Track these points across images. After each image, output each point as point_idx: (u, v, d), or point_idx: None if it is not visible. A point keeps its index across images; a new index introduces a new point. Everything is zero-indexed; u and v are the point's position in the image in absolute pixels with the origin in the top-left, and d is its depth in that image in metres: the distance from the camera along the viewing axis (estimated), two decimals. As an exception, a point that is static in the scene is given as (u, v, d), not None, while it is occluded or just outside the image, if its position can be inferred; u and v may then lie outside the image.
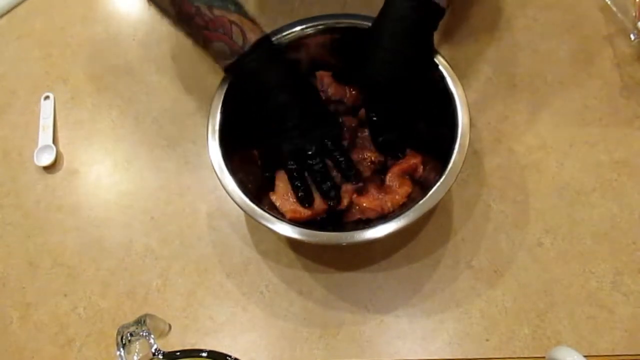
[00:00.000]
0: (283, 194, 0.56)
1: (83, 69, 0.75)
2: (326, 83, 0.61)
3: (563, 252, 0.59)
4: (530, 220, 0.60)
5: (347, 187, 0.56)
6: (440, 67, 0.57)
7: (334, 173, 0.56)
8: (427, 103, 0.58)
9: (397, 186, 0.57)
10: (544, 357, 0.50)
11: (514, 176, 0.63)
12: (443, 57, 0.58)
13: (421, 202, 0.52)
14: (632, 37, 0.68)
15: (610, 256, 0.58)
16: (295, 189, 0.55)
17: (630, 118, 0.65)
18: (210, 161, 0.55)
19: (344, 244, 0.57)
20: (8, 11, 0.81)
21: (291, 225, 0.52)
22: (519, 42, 0.71)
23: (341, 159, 0.56)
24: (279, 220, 0.52)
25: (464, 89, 0.56)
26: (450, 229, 0.61)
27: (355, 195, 0.56)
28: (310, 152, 0.56)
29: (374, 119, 0.57)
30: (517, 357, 0.54)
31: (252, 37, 0.54)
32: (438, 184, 0.52)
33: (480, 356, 0.55)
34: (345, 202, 0.55)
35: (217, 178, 0.54)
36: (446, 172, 0.52)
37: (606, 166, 0.62)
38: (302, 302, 0.58)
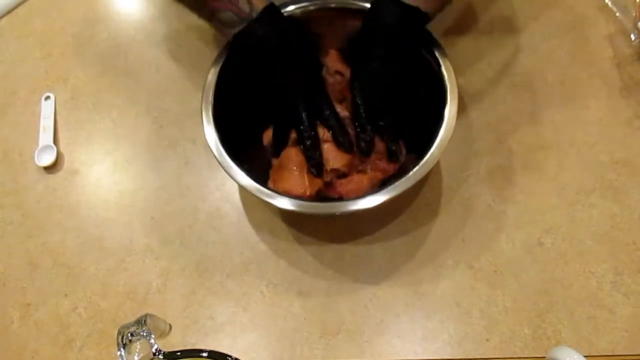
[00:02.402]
0: (280, 175, 0.57)
1: (83, 69, 0.75)
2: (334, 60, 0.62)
3: (563, 252, 0.59)
4: (530, 220, 0.60)
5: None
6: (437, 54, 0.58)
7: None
8: (415, 91, 0.59)
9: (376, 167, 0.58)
10: (544, 357, 0.50)
11: (514, 176, 0.63)
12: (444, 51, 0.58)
13: (414, 170, 0.52)
14: (632, 37, 0.68)
15: (610, 256, 0.58)
16: (308, 157, 0.57)
17: (630, 118, 0.65)
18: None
19: (337, 214, 0.57)
20: (8, 11, 0.81)
21: (287, 198, 0.53)
22: (519, 42, 0.71)
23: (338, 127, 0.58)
24: (276, 194, 0.53)
25: (455, 75, 0.57)
26: (450, 229, 0.61)
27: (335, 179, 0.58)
28: (309, 120, 0.57)
29: (360, 102, 0.58)
30: (517, 357, 0.54)
31: (259, 3, 0.55)
32: (430, 152, 0.53)
33: (480, 356, 0.55)
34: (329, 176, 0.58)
35: (214, 157, 0.55)
36: (436, 141, 0.53)
37: (606, 166, 0.62)
38: (302, 302, 0.58)
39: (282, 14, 0.59)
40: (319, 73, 0.61)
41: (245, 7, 0.55)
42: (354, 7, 0.61)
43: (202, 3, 0.56)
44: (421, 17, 0.55)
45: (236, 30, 0.56)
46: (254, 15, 0.55)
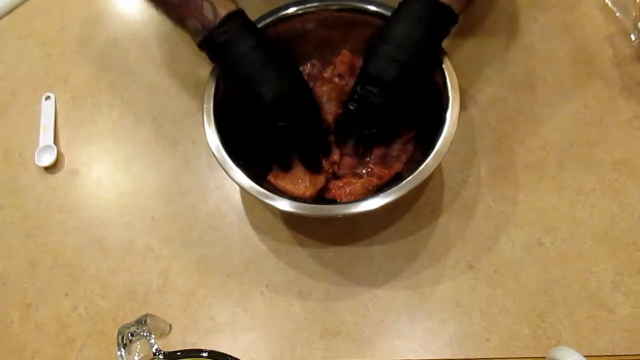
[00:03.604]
0: (281, 174, 0.58)
1: (83, 69, 0.75)
2: (345, 61, 0.62)
3: (563, 252, 0.59)
4: (530, 220, 0.60)
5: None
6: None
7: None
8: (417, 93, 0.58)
9: (377, 169, 0.59)
10: (544, 357, 0.50)
11: (514, 176, 0.63)
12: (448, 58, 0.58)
13: (414, 174, 0.52)
14: (632, 37, 0.68)
15: (610, 256, 0.58)
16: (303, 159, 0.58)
17: (630, 118, 0.65)
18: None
19: (339, 216, 0.57)
20: (8, 11, 0.81)
21: (288, 200, 0.53)
22: (519, 42, 0.71)
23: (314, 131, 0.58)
24: (277, 196, 0.53)
25: (457, 76, 0.56)
26: (450, 229, 0.61)
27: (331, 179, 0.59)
28: (284, 124, 0.55)
29: (353, 108, 0.57)
30: (517, 357, 0.54)
31: (223, 11, 0.54)
32: (433, 152, 0.53)
33: (480, 356, 0.55)
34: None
35: (215, 158, 0.55)
36: (438, 144, 0.53)
37: (606, 166, 0.62)
38: (302, 302, 0.58)
39: (246, 21, 0.56)
40: (296, 75, 0.59)
41: (209, 15, 0.54)
42: (363, 9, 0.61)
43: (172, 10, 0.56)
44: (452, 18, 0.55)
45: (199, 39, 0.55)
46: (217, 23, 0.54)
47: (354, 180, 0.58)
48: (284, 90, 0.55)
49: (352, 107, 0.57)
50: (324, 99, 0.61)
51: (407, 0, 0.55)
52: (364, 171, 0.59)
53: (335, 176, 0.59)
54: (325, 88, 0.61)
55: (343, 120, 0.59)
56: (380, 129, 0.58)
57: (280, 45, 0.58)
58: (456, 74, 0.56)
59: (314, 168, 0.58)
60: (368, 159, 0.60)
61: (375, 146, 0.60)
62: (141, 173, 0.67)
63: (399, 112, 0.58)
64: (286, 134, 0.56)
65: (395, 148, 0.60)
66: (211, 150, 0.55)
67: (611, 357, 0.54)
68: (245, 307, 0.59)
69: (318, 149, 0.59)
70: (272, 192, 0.53)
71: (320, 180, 0.58)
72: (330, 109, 0.61)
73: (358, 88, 0.56)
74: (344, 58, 0.62)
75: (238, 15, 0.55)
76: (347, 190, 0.57)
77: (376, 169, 0.58)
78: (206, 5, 0.54)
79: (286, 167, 0.58)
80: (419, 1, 0.54)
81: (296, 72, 0.59)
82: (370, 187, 0.57)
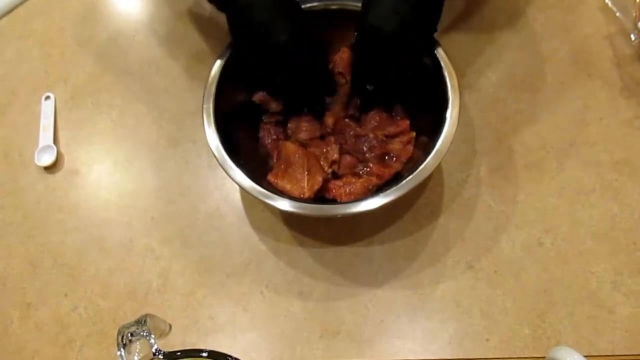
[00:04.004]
0: (281, 174, 0.58)
1: (83, 69, 0.75)
2: (345, 58, 0.62)
3: (563, 252, 0.59)
4: (530, 220, 0.60)
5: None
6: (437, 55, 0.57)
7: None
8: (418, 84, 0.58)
9: (377, 167, 0.59)
10: (544, 357, 0.50)
11: (514, 176, 0.63)
12: (441, 48, 0.58)
13: (414, 173, 0.52)
14: (632, 37, 0.68)
15: (610, 256, 0.58)
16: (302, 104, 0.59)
17: (630, 118, 0.65)
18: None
19: (339, 216, 0.58)
20: (8, 11, 0.81)
21: (288, 200, 0.53)
22: (519, 42, 0.71)
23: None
24: (277, 196, 0.53)
25: (457, 76, 0.56)
26: (450, 229, 0.61)
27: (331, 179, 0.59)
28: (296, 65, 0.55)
29: (360, 63, 0.57)
30: (517, 357, 0.54)
31: None
32: (433, 152, 0.53)
33: (480, 356, 0.55)
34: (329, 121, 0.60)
35: (214, 158, 0.55)
36: (438, 142, 0.53)
37: (606, 166, 0.62)
38: (302, 302, 0.58)
39: None
40: (299, 25, 0.57)
41: None
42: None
43: None
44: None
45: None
46: None
47: (353, 180, 0.58)
48: (297, 31, 0.54)
49: (360, 62, 0.57)
50: (326, 103, 0.61)
51: None
52: (363, 170, 0.59)
53: (335, 176, 0.59)
54: None
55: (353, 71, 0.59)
56: (379, 83, 0.57)
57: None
58: (456, 74, 0.56)
59: (318, 111, 0.59)
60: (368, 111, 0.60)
61: (375, 105, 0.60)
62: (141, 173, 0.67)
63: (399, 68, 0.56)
64: (297, 75, 0.56)
65: (395, 148, 0.60)
66: (211, 150, 0.55)
67: (611, 357, 0.54)
68: (245, 307, 0.59)
69: (324, 92, 0.59)
70: (272, 192, 0.53)
71: (318, 180, 0.57)
72: (332, 111, 0.61)
73: (356, 35, 0.56)
74: (343, 55, 0.62)
75: None
76: (347, 190, 0.57)
77: (375, 169, 0.58)
78: None
79: (296, 110, 0.59)
80: None
81: (305, 17, 0.58)
82: (370, 187, 0.57)
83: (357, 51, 0.58)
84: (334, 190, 0.57)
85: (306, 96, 0.60)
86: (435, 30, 0.56)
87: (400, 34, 0.53)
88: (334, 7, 0.62)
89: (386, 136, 0.60)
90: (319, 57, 0.59)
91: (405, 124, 0.60)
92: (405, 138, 0.60)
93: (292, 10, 0.56)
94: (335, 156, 0.59)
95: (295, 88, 0.58)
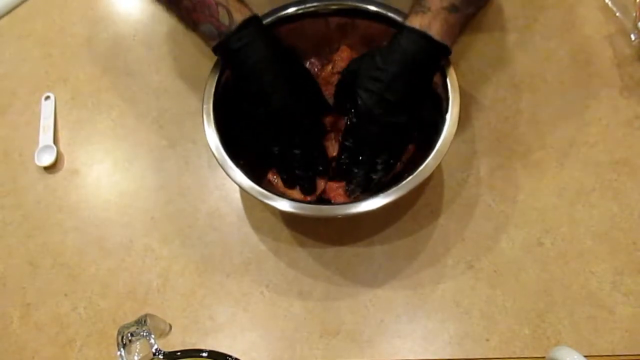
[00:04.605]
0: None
1: (83, 69, 0.75)
2: (344, 57, 0.62)
3: (563, 252, 0.59)
4: (530, 220, 0.60)
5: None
6: None
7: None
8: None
9: None
10: (544, 357, 0.50)
11: (514, 176, 0.63)
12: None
13: (414, 174, 0.52)
14: (632, 37, 0.68)
15: (610, 256, 0.58)
16: (293, 179, 0.57)
17: (630, 118, 0.65)
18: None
19: (340, 216, 0.57)
20: (8, 11, 0.81)
21: (289, 200, 0.53)
22: (519, 42, 0.71)
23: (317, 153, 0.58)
24: (277, 196, 0.53)
25: (457, 76, 0.56)
26: (450, 229, 0.61)
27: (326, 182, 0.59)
28: (295, 143, 0.56)
29: (349, 144, 0.57)
30: (517, 357, 0.54)
31: (239, 17, 0.54)
32: (433, 152, 0.53)
33: (480, 356, 0.55)
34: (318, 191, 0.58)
35: (214, 157, 0.55)
36: (438, 142, 0.53)
37: (606, 166, 0.62)
38: (302, 302, 0.58)
39: (262, 27, 0.56)
40: (310, 85, 0.59)
41: (225, 20, 0.54)
42: (362, 9, 0.61)
43: (186, 14, 0.56)
44: (445, 52, 0.54)
45: (214, 43, 0.55)
46: (233, 29, 0.54)
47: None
48: (293, 102, 0.55)
49: (348, 144, 0.57)
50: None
51: (400, 35, 0.54)
52: None
53: (333, 177, 0.59)
54: (324, 90, 0.61)
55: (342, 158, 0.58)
56: (368, 168, 0.56)
57: (294, 54, 0.59)
58: (456, 74, 0.56)
59: (308, 190, 0.57)
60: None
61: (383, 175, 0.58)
62: (141, 173, 0.67)
63: (394, 143, 0.57)
64: (285, 151, 0.56)
65: None
66: (211, 150, 0.55)
67: (611, 357, 0.54)
68: (245, 307, 0.59)
69: (315, 171, 0.58)
70: (272, 193, 0.53)
71: (320, 184, 0.58)
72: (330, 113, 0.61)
73: (348, 121, 0.57)
74: (342, 54, 0.62)
75: (253, 21, 0.55)
76: (343, 192, 0.57)
77: None
78: (222, 11, 0.54)
79: (290, 184, 0.58)
80: (411, 38, 0.53)
81: (308, 89, 0.59)
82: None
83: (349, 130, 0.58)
84: (330, 192, 0.57)
85: (300, 174, 0.58)
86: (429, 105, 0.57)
87: (391, 117, 0.54)
88: (333, 7, 0.62)
89: None
90: (312, 139, 0.58)
91: None
92: None
93: (297, 83, 0.57)
94: (335, 153, 0.59)
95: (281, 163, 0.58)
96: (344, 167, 0.57)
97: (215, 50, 0.56)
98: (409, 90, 0.54)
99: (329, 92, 0.61)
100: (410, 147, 0.60)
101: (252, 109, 0.56)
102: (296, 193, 0.57)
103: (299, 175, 0.57)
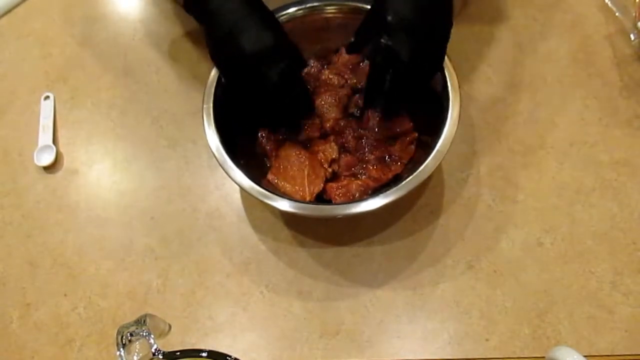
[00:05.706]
0: (281, 173, 0.58)
1: (83, 69, 0.75)
2: (341, 62, 0.62)
3: (563, 252, 0.59)
4: (530, 220, 0.60)
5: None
6: None
7: None
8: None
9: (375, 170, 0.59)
10: (544, 357, 0.50)
11: (514, 176, 0.63)
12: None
13: (414, 174, 0.52)
14: (632, 37, 0.68)
15: (610, 256, 0.58)
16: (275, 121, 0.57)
17: (630, 118, 0.65)
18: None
19: (340, 216, 0.58)
20: (8, 11, 0.81)
21: (288, 200, 0.53)
22: (519, 42, 0.71)
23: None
24: (277, 196, 0.53)
25: (457, 76, 0.56)
26: (450, 229, 0.61)
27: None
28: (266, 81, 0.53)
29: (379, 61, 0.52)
30: (517, 357, 0.54)
31: None
32: (433, 152, 0.53)
33: (480, 356, 0.55)
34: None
35: (215, 158, 0.55)
36: (438, 143, 0.53)
37: (606, 166, 0.62)
38: (302, 302, 0.58)
39: None
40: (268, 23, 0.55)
41: None
42: (362, 9, 0.61)
43: None
44: None
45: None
46: None
47: (350, 182, 0.58)
48: (266, 42, 0.52)
49: (378, 60, 0.52)
50: (324, 106, 0.61)
51: None
52: (361, 172, 0.59)
53: (335, 175, 0.59)
54: (325, 95, 0.61)
55: (370, 81, 0.56)
56: (407, 89, 0.54)
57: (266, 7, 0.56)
58: (456, 74, 0.56)
59: (293, 129, 0.58)
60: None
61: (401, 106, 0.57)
62: (141, 173, 0.67)
63: (410, 89, 0.55)
64: (268, 93, 0.54)
65: (397, 149, 0.59)
66: (211, 150, 0.55)
67: (611, 357, 0.54)
68: (245, 307, 0.59)
69: (300, 111, 0.58)
70: (272, 193, 0.53)
71: (319, 185, 0.57)
72: (330, 115, 0.61)
73: (380, 40, 0.51)
74: (341, 55, 0.62)
75: None
76: (343, 192, 0.57)
77: (374, 171, 0.58)
78: None
79: (277, 126, 0.58)
80: None
81: (278, 25, 0.56)
82: (367, 190, 0.57)
83: (373, 67, 0.55)
84: (329, 192, 0.57)
85: (287, 121, 0.59)
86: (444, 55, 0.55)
87: (416, 62, 0.51)
88: (333, 7, 0.62)
89: (388, 136, 0.60)
90: (292, 76, 0.56)
91: (409, 124, 0.60)
92: (407, 138, 0.60)
93: (266, 20, 0.54)
94: (335, 155, 0.59)
95: (279, 116, 0.58)
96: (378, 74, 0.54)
97: (186, 7, 0.55)
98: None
99: (329, 94, 0.61)
100: (411, 147, 0.60)
101: (223, 60, 0.55)
102: (296, 193, 0.57)
103: (282, 113, 0.56)
